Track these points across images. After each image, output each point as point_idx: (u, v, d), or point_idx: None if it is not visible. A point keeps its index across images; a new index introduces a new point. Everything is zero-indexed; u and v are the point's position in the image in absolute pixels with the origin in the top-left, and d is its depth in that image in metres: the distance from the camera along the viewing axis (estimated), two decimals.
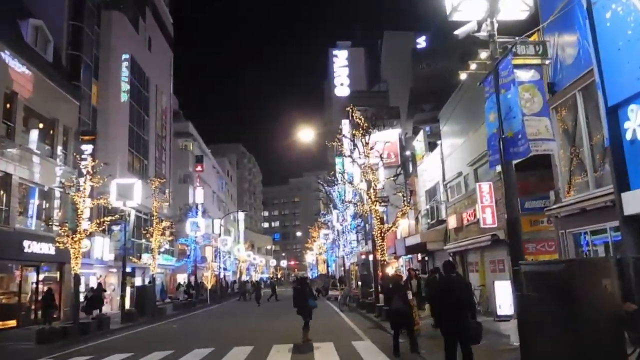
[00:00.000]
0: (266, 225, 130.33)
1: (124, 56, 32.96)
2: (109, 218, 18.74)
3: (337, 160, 44.87)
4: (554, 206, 11.59)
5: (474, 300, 7.42)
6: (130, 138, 33.39)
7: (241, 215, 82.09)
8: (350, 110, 18.15)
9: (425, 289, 15.64)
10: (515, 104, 6.54)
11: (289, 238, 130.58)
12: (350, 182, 18.61)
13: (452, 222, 20.19)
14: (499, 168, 14.27)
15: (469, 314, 6.83)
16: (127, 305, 25.93)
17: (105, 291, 23.83)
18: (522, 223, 15.14)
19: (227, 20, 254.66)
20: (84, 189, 17.58)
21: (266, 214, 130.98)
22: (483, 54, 14.17)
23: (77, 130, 24.81)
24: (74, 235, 16.85)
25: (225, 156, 79.60)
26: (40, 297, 20.50)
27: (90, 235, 23.18)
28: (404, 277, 22.56)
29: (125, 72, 33.41)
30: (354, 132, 18.06)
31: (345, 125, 45.68)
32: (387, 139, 25.91)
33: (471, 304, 7.07)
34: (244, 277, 56.01)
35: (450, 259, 20.95)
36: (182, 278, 43.10)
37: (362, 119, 17.90)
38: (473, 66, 15.00)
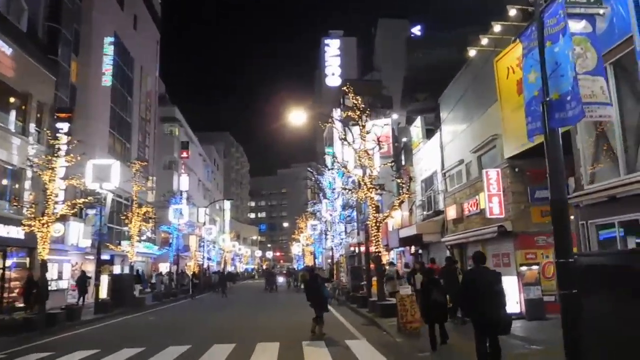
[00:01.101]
0: (253, 215, 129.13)
1: (107, 33, 31.19)
2: (82, 200, 17.26)
3: (328, 150, 43.54)
4: (575, 194, 10.39)
5: (504, 291, 7.05)
6: (112, 119, 31.70)
7: (227, 205, 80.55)
8: (346, 90, 16.82)
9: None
10: (565, 59, 5.28)
11: (276, 229, 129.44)
12: (345, 167, 17.24)
13: (451, 213, 19.00)
14: (507, 152, 13.13)
15: (503, 305, 6.87)
16: (104, 294, 24.56)
17: (90, 278, 22.42)
18: (532, 214, 14.16)
19: (218, 8, 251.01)
20: (55, 167, 16.07)
21: (253, 204, 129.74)
22: (497, 27, 12.93)
23: (53, 107, 23.15)
24: (41, 218, 15.36)
25: (213, 144, 77.83)
26: (23, 283, 19.17)
27: (63, 220, 21.75)
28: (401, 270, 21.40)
29: (108, 50, 31.69)
30: (349, 113, 16.74)
31: (337, 112, 44.39)
32: (379, 129, 24.54)
33: (503, 296, 7.00)
34: (215, 268, 54.14)
35: (448, 252, 19.79)
36: (164, 267, 41.59)
37: (359, 99, 16.60)
38: (484, 41, 13.81)
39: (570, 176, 11.24)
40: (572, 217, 11.66)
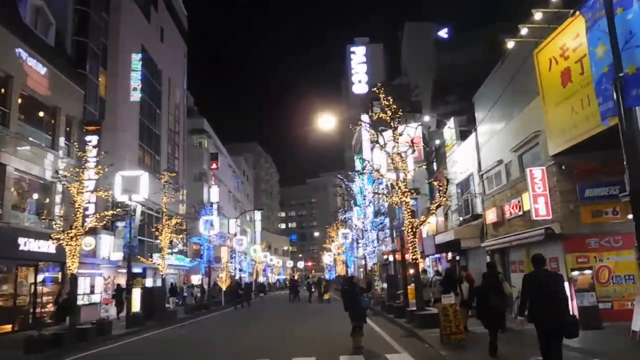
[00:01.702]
0: (283, 226, 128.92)
1: (134, 46, 31.37)
2: (110, 212, 16.99)
3: (357, 157, 42.85)
4: None
5: (567, 294, 7.03)
6: (141, 132, 31.80)
7: (257, 216, 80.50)
8: (376, 91, 16.14)
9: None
10: None
11: (307, 239, 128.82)
12: (377, 171, 16.52)
13: (490, 216, 18.05)
14: (566, 141, 12.12)
15: (567, 308, 6.91)
16: (137, 308, 24.35)
17: (124, 290, 22.33)
18: (582, 214, 13.17)
19: (243, 18, 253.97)
20: (82, 179, 15.85)
21: (283, 214, 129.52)
22: (537, 15, 12.08)
23: (82, 120, 23.20)
24: (70, 231, 15.11)
25: (242, 155, 78.04)
26: (55, 298, 19.22)
27: (94, 233, 21.62)
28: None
29: (137, 66, 31.92)
30: (380, 115, 16.02)
31: (366, 117, 43.72)
32: (411, 131, 23.68)
33: (566, 298, 7.00)
34: (247, 279, 53.77)
35: (488, 257, 18.83)
36: (196, 279, 41.41)
37: (390, 99, 15.89)
38: (523, 31, 12.99)
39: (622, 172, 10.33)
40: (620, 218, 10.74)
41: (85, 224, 15.91)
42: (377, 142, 16.17)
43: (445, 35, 52.05)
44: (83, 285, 23.55)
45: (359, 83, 76.59)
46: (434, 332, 12.54)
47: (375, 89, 16.17)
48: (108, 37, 29.17)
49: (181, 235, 27.02)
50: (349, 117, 19.34)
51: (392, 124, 15.76)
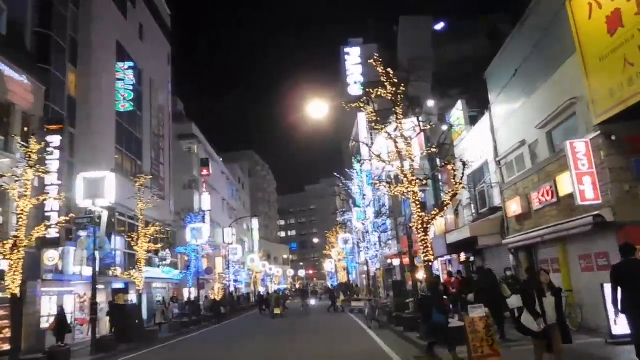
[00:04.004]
0: (283, 234, 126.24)
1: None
2: (62, 218, 14.35)
3: (355, 160, 40.37)
4: None
5: None
6: (119, 135, 29.08)
7: (255, 224, 77.78)
8: (374, 63, 13.53)
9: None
10: None
11: (307, 247, 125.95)
12: (379, 156, 13.86)
13: (512, 208, 15.40)
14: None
15: None
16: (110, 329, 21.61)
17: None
18: None
19: (232, 24, 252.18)
20: (25, 179, 13.22)
21: (283, 223, 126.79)
22: None
23: (43, 119, 20.56)
24: (6, 241, 12.45)
25: (237, 163, 75.39)
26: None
27: (56, 245, 18.91)
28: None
29: (124, 76, 29.51)
30: (379, 91, 13.37)
31: (361, 116, 41.11)
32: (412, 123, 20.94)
33: None
34: (245, 290, 50.48)
35: (511, 256, 16.17)
36: (190, 292, 38.55)
37: (391, 71, 13.30)
38: None
39: None
40: None
41: (46, 233, 13.27)
42: (376, 121, 13.50)
43: (442, 27, 49.74)
44: (48, 306, 20.86)
45: (355, 84, 74.22)
46: (458, 353, 9.97)
47: (371, 60, 13.56)
48: (78, 32, 26.59)
49: (160, 245, 24.23)
50: (345, 102, 16.68)
51: (395, 109, 13.11)
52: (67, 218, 14.87)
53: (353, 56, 78.03)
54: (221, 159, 62.45)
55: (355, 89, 73.35)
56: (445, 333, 9.66)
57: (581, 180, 10.37)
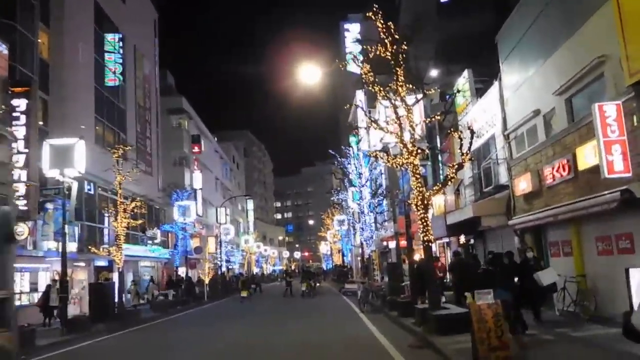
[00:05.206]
0: (279, 216, 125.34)
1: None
2: (22, 186, 12.85)
3: (352, 139, 38.90)
4: None
5: None
6: (99, 104, 27.30)
7: (250, 205, 76.53)
8: (372, 16, 11.97)
9: None
10: None
11: (303, 229, 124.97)
12: (375, 122, 12.39)
13: (521, 186, 13.98)
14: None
15: None
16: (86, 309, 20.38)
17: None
18: None
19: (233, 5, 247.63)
20: None
21: (279, 204, 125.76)
22: None
23: (6, 80, 18.86)
24: None
25: (231, 142, 73.59)
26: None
27: (25, 219, 17.44)
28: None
29: (111, 47, 27.73)
30: (378, 48, 11.84)
31: (360, 95, 39.38)
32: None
33: None
34: (238, 271, 49.29)
35: (517, 238, 14.81)
36: (181, 272, 37.25)
37: (391, 25, 11.75)
38: None
39: None
40: None
41: None
42: (374, 82, 11.98)
43: None
44: (20, 284, 19.56)
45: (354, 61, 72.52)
46: (456, 341, 8.89)
47: (370, 13, 11.99)
48: None
49: (141, 221, 22.83)
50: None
51: (395, 70, 11.56)
52: (27, 185, 13.39)
53: (353, 32, 75.89)
54: (215, 138, 60.80)
55: (354, 66, 71.62)
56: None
57: (610, 149, 8.90)
